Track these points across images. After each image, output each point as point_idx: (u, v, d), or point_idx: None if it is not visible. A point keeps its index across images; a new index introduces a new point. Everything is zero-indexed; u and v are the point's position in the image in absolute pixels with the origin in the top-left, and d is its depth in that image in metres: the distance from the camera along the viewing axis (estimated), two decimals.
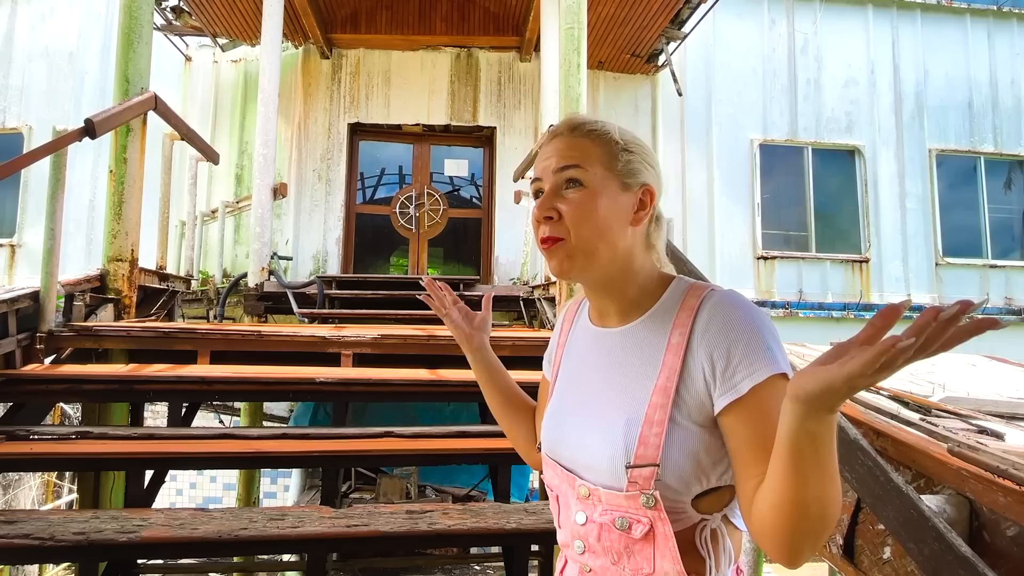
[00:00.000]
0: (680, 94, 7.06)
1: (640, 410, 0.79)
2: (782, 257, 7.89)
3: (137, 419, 3.00)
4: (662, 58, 7.55)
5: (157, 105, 3.43)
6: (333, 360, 2.91)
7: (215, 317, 5.18)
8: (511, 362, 2.98)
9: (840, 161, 8.22)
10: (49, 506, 6.97)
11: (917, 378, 3.28)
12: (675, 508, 0.77)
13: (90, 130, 2.80)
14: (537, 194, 0.89)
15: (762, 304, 7.66)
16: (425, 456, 2.39)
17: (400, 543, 2.06)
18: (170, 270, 4.23)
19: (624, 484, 0.77)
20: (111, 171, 3.32)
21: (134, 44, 3.39)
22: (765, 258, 7.86)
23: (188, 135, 3.99)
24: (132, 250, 3.33)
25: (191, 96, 7.86)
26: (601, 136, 0.87)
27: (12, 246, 7.88)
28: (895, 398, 2.43)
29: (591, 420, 0.84)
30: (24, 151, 8.05)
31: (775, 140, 8.06)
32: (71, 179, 8.10)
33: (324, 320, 4.31)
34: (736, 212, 7.87)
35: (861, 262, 8.01)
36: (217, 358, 2.82)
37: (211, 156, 4.39)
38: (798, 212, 8.03)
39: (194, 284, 5.31)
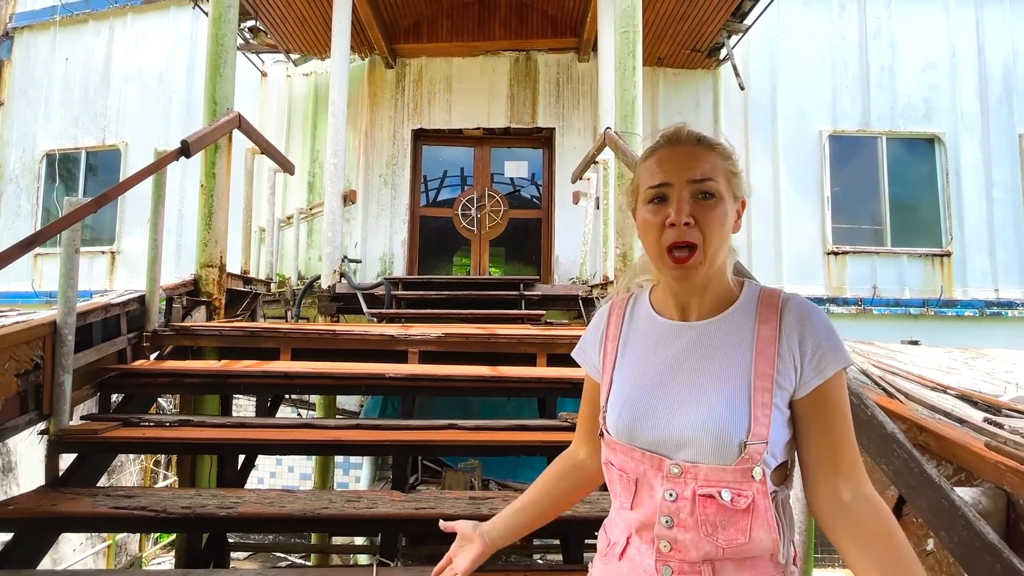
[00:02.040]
0: (742, 88, 6.93)
1: (744, 392, 0.89)
2: (854, 252, 7.58)
3: (227, 411, 3.31)
4: (723, 52, 7.42)
5: (241, 124, 3.74)
6: (401, 357, 3.10)
7: (292, 317, 5.54)
8: (569, 360, 3.09)
9: (918, 150, 7.81)
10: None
11: (993, 377, 3.15)
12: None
13: (185, 150, 3.10)
14: (658, 198, 0.95)
15: (832, 301, 7.41)
16: (486, 447, 2.54)
17: None
18: (252, 274, 4.58)
19: (732, 459, 0.86)
20: (202, 185, 3.65)
21: (220, 69, 3.71)
22: (836, 253, 7.58)
23: (267, 149, 4.31)
24: (221, 257, 3.66)
25: (266, 109, 8.38)
26: (724, 152, 0.96)
27: (113, 253, 8.66)
28: (962, 397, 2.38)
29: (690, 403, 0.91)
30: (121, 166, 8.83)
31: (846, 131, 7.76)
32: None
33: (392, 320, 4.55)
34: (804, 207, 7.63)
35: (942, 256, 7.59)
36: (297, 355, 3.07)
37: (287, 167, 4.72)
38: (872, 205, 7.69)
39: (272, 287, 5.70)
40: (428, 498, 2.22)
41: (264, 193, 5.39)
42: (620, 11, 3.87)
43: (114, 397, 2.76)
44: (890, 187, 7.66)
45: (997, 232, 7.62)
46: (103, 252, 8.71)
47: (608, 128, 4.07)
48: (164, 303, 3.15)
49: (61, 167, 9.08)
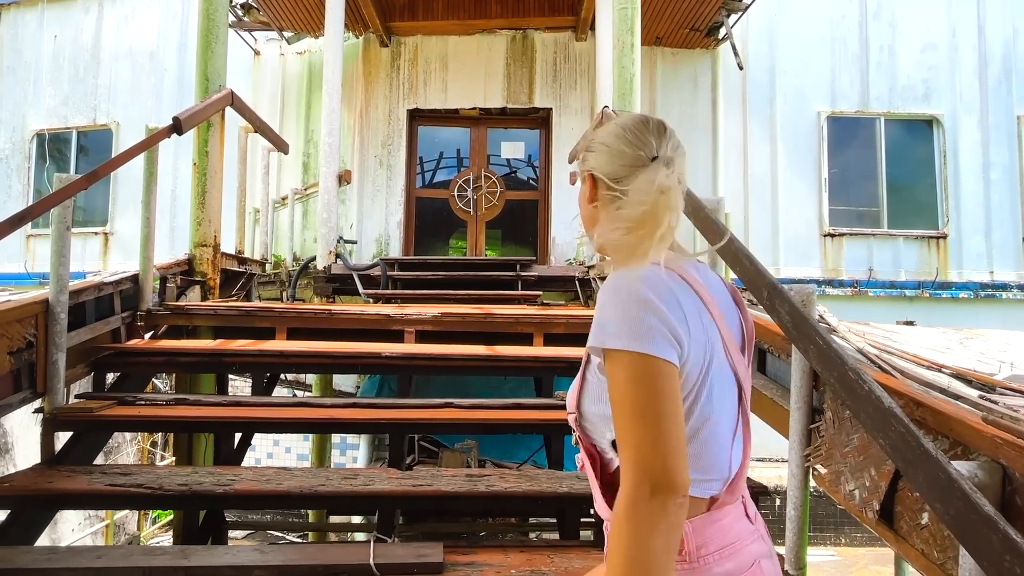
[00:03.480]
0: (741, 68, 6.87)
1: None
2: (851, 234, 7.58)
3: (223, 390, 3.30)
4: (722, 31, 7.33)
5: (233, 101, 3.69)
6: (397, 337, 3.09)
7: (288, 299, 5.52)
8: (565, 339, 3.09)
9: (916, 132, 7.78)
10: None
11: (987, 356, 3.17)
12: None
13: (177, 127, 3.06)
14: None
15: (828, 283, 7.43)
16: (483, 426, 2.54)
17: (460, 502, 2.23)
18: (247, 255, 4.56)
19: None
20: (194, 163, 3.61)
21: (212, 44, 3.64)
22: (832, 235, 7.58)
23: (261, 127, 4.25)
24: (215, 236, 3.63)
25: (260, 88, 8.26)
26: (587, 132, 1.15)
27: (105, 234, 8.59)
28: (957, 376, 2.39)
29: None
30: (113, 146, 8.72)
31: (844, 112, 7.71)
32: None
33: (388, 300, 4.53)
34: (801, 188, 7.62)
35: (938, 238, 7.60)
36: (292, 334, 3.06)
37: (281, 146, 4.67)
38: (869, 187, 7.68)
39: (268, 267, 5.68)
40: (425, 475, 2.23)
41: (258, 173, 5.34)
42: None
43: (109, 377, 2.75)
44: (888, 169, 7.63)
45: (993, 214, 7.63)
46: (96, 233, 8.64)
47: (606, 107, 4.03)
48: (158, 282, 3.12)
49: (52, 147, 8.97)
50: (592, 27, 7.12)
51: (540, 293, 4.58)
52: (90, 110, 8.84)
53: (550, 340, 3.10)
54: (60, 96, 8.98)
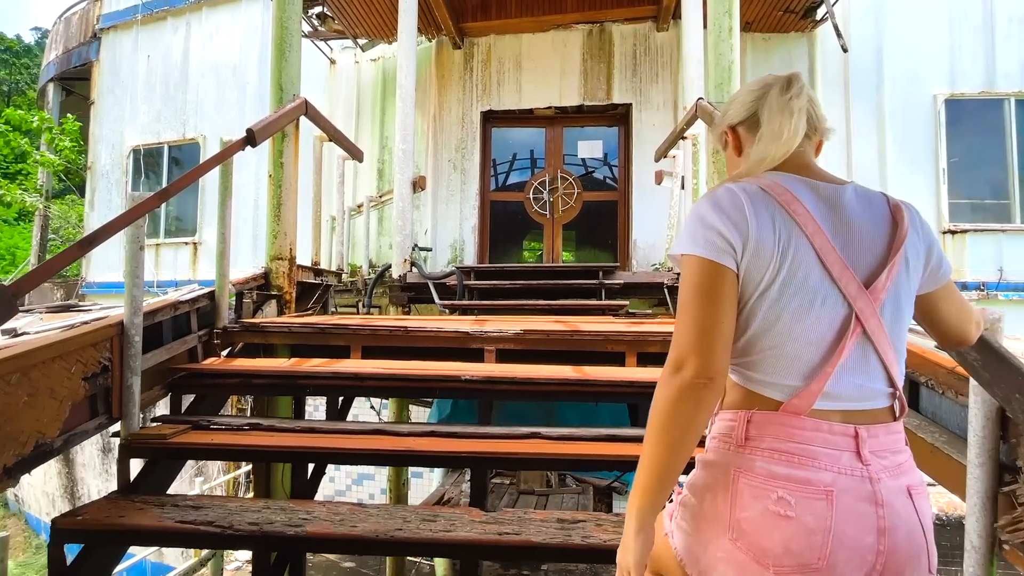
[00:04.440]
0: (845, 50, 6.21)
1: None
2: (975, 230, 6.73)
3: (300, 409, 3.19)
4: (820, 11, 6.69)
5: (308, 110, 3.59)
6: (476, 355, 2.86)
7: (364, 307, 5.45)
8: (661, 360, 2.76)
9: None
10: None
11: None
12: None
13: (251, 139, 2.96)
14: None
15: None
16: (574, 461, 2.26)
17: (552, 555, 1.95)
18: (323, 265, 4.48)
19: None
20: (270, 175, 3.53)
21: (286, 54, 3.55)
22: (953, 232, 6.76)
23: (335, 136, 4.16)
24: (290, 249, 3.53)
25: (336, 97, 8.35)
26: None
27: (195, 244, 8.95)
28: None
29: None
30: (201, 158, 9.07)
31: (965, 94, 6.86)
32: (237, 180, 8.99)
33: (464, 311, 4.34)
34: (915, 180, 6.83)
35: None
36: (367, 353, 2.89)
37: (356, 154, 4.57)
38: (996, 177, 6.79)
39: (344, 276, 5.63)
40: (512, 519, 1.97)
41: (334, 182, 5.30)
42: None
43: (190, 396, 2.68)
44: (1019, 156, 6.72)
45: None
46: (186, 243, 9.02)
47: (700, 99, 3.65)
48: (234, 298, 3.04)
49: (146, 161, 9.45)
50: (675, 16, 6.69)
51: (627, 303, 4.24)
52: (179, 125, 9.25)
53: (644, 360, 2.78)
54: (153, 113, 9.45)
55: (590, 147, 7.63)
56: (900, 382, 0.98)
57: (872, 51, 7.01)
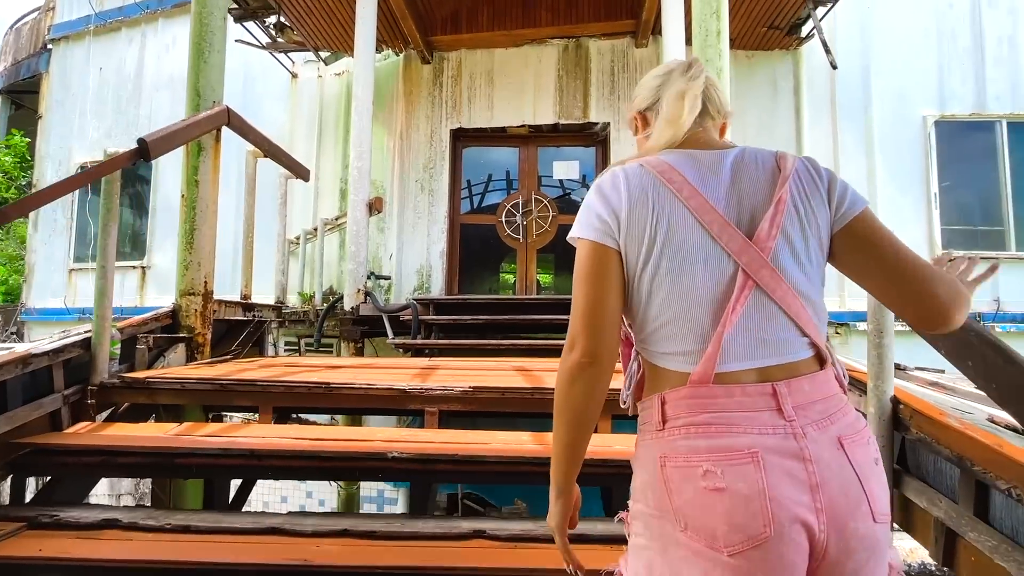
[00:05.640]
0: (834, 67, 5.88)
1: None
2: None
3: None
4: (806, 27, 6.39)
5: (231, 119, 3.07)
6: (418, 413, 2.34)
7: (314, 342, 4.88)
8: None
9: None
10: None
11: None
12: None
13: (144, 151, 2.44)
14: None
15: None
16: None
17: None
18: (268, 296, 3.93)
19: None
20: (182, 195, 2.99)
21: (205, 54, 3.05)
22: None
23: (271, 151, 3.64)
24: (206, 282, 2.98)
25: (297, 112, 7.84)
26: None
27: (143, 268, 8.29)
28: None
29: None
30: (153, 177, 8.44)
31: (956, 115, 6.57)
32: (175, 196, 8.44)
33: (419, 351, 3.80)
34: (906, 204, 6.49)
35: None
36: (282, 415, 2.35)
37: (300, 173, 4.05)
38: (989, 202, 6.48)
39: (293, 307, 5.07)
40: None
41: (287, 203, 4.77)
42: None
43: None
44: (1014, 181, 6.42)
45: None
46: (133, 267, 8.36)
47: None
48: (118, 346, 2.48)
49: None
50: (654, 31, 6.34)
51: None
52: (131, 141, 8.45)
53: (621, 424, 2.28)
54: (103, 128, 8.84)
55: (566, 168, 7.19)
56: (817, 330, 0.94)
57: (859, 70, 6.71)
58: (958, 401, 2.14)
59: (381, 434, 2.16)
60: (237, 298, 3.61)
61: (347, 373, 2.61)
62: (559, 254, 7.51)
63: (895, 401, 1.59)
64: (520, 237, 7.07)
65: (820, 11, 6.02)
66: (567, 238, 1.03)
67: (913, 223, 6.48)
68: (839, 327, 6.19)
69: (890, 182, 6.54)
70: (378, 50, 7.38)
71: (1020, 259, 6.35)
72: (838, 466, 0.86)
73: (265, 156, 3.64)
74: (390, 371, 2.79)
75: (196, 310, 2.93)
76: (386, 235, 7.09)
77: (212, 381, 2.31)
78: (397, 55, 7.37)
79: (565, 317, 3.36)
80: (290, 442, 2.01)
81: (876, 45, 6.73)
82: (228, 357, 3.08)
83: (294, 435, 2.10)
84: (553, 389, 2.15)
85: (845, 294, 6.30)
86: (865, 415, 1.66)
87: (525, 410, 2.26)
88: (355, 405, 2.27)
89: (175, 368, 2.65)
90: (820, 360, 0.94)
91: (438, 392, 2.27)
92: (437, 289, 6.92)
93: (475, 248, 7.43)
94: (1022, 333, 6.20)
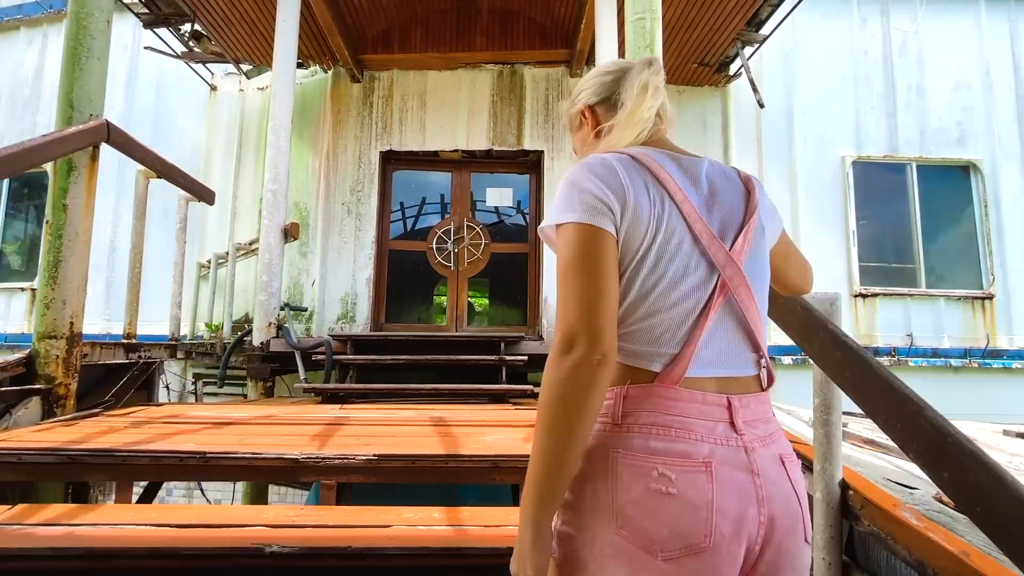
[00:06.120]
0: (762, 105, 6.02)
1: None
2: (884, 294, 6.63)
3: None
4: (735, 65, 6.54)
5: (111, 135, 2.68)
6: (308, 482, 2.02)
7: (218, 381, 4.42)
8: None
9: (952, 179, 6.94)
10: None
11: None
12: None
13: None
14: None
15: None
16: None
17: None
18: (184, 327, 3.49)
19: None
20: (47, 222, 2.57)
21: (82, 61, 2.66)
22: (864, 295, 6.62)
23: (166, 171, 3.24)
24: (72, 323, 2.56)
25: (215, 127, 7.34)
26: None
27: (32, 290, 7.46)
28: None
29: None
30: (49, 189, 7.69)
31: (871, 157, 6.87)
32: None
33: (331, 396, 3.45)
34: (827, 242, 6.69)
35: (984, 299, 6.66)
36: (148, 491, 1.97)
37: (202, 195, 3.65)
38: (902, 241, 6.78)
39: (205, 334, 4.59)
40: None
41: (210, 226, 4.33)
42: None
43: None
44: (923, 220, 6.75)
45: None
46: (22, 289, 7.53)
47: None
48: None
49: None
50: (588, 61, 6.31)
51: (530, 386, 3.51)
52: None
53: None
54: None
55: (499, 195, 7.02)
56: (764, 348, 0.97)
57: (784, 110, 6.93)
58: (900, 470, 2.02)
59: (267, 514, 1.84)
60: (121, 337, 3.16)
61: (234, 435, 2.26)
62: (493, 284, 7.30)
63: (843, 485, 1.43)
64: (451, 265, 6.82)
65: (748, 51, 6.17)
66: (541, 227, 0.95)
67: (835, 260, 6.68)
68: None
69: (812, 219, 6.73)
70: (305, 66, 7.04)
71: (930, 296, 6.65)
72: (782, 482, 0.88)
73: (159, 177, 3.24)
74: (289, 428, 2.46)
75: (58, 356, 2.50)
76: (309, 260, 6.68)
77: (58, 452, 1.91)
78: (326, 72, 7.04)
79: (492, 358, 3.11)
80: (148, 531, 1.66)
81: (799, 87, 6.98)
82: (97, 411, 2.64)
83: (156, 519, 1.75)
84: (470, 456, 1.89)
85: (771, 328, 6.38)
86: (811, 497, 1.50)
87: (438, 480, 1.99)
88: (237, 478, 1.94)
89: (19, 431, 2.21)
90: (763, 380, 0.96)
91: (336, 462, 1.96)
92: (363, 318, 6.54)
93: (405, 275, 7.11)
94: (934, 368, 6.46)
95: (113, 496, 2.30)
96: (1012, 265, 6.71)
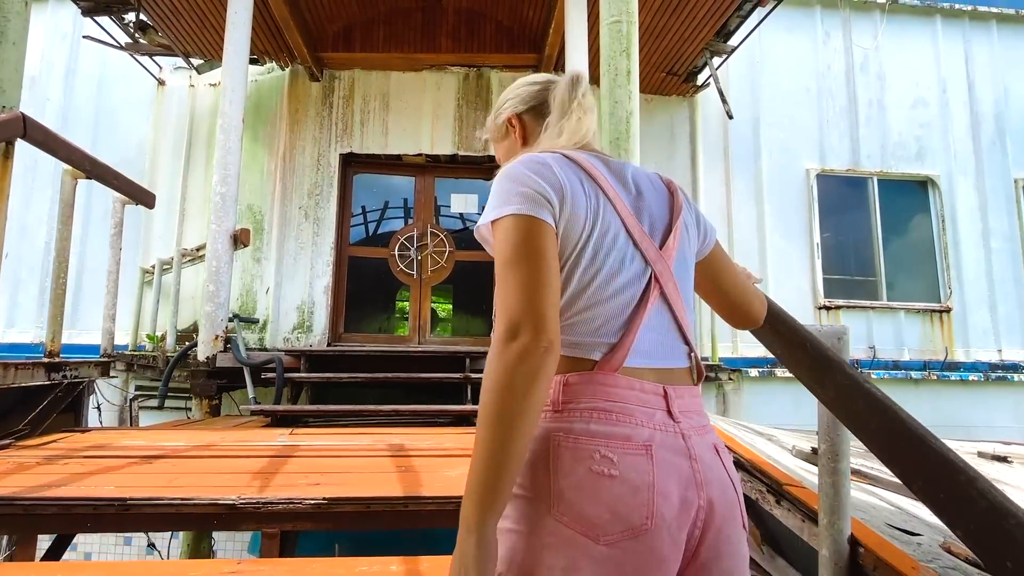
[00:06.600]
0: (731, 116, 5.99)
1: None
2: (848, 307, 6.68)
3: None
4: (703, 76, 6.51)
5: (27, 131, 2.38)
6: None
7: (159, 399, 4.08)
8: None
9: (911, 194, 7.06)
10: None
11: None
12: None
13: None
14: None
15: None
16: None
17: None
18: (121, 339, 3.15)
19: None
20: None
21: None
22: (828, 308, 6.66)
23: (96, 171, 2.94)
24: None
25: (163, 124, 6.91)
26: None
27: None
28: None
29: None
30: None
31: (835, 170, 6.93)
32: (25, 217, 7.20)
33: (281, 419, 3.18)
34: (792, 253, 6.71)
35: (942, 312, 6.79)
36: (61, 542, 1.69)
37: (140, 197, 3.34)
38: (864, 254, 6.85)
39: (147, 345, 4.24)
40: None
41: (156, 229, 3.98)
42: None
43: None
44: (884, 234, 6.84)
45: (997, 285, 6.90)
46: None
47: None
48: None
49: None
50: (556, 66, 6.18)
51: None
52: None
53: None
54: None
55: (464, 201, 6.82)
56: (693, 343, 1.00)
57: (750, 121, 6.94)
58: (894, 507, 1.90)
59: (195, 573, 1.59)
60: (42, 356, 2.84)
61: (163, 472, 1.99)
62: (457, 292, 7.09)
63: (853, 541, 1.28)
64: (414, 273, 6.58)
65: (716, 61, 6.14)
66: (476, 227, 0.96)
67: (799, 271, 6.71)
68: (732, 372, 6.19)
69: (777, 230, 6.74)
70: (261, 62, 6.71)
71: (891, 308, 6.73)
72: (718, 468, 0.90)
73: (88, 177, 2.93)
74: (229, 461, 2.20)
75: None
76: (263, 266, 6.35)
77: None
78: (283, 69, 6.73)
79: (457, 376, 2.89)
80: None
81: (765, 99, 7.01)
82: (7, 442, 2.33)
83: None
84: (432, 498, 1.69)
85: (738, 340, 6.36)
86: (816, 554, 1.35)
87: (396, 527, 1.78)
88: (163, 529, 1.68)
89: None
90: (694, 374, 0.98)
91: (280, 507, 1.73)
92: (320, 328, 6.24)
93: (365, 283, 6.84)
94: (895, 380, 6.53)
95: (10, 552, 2.00)
96: (968, 279, 6.86)
